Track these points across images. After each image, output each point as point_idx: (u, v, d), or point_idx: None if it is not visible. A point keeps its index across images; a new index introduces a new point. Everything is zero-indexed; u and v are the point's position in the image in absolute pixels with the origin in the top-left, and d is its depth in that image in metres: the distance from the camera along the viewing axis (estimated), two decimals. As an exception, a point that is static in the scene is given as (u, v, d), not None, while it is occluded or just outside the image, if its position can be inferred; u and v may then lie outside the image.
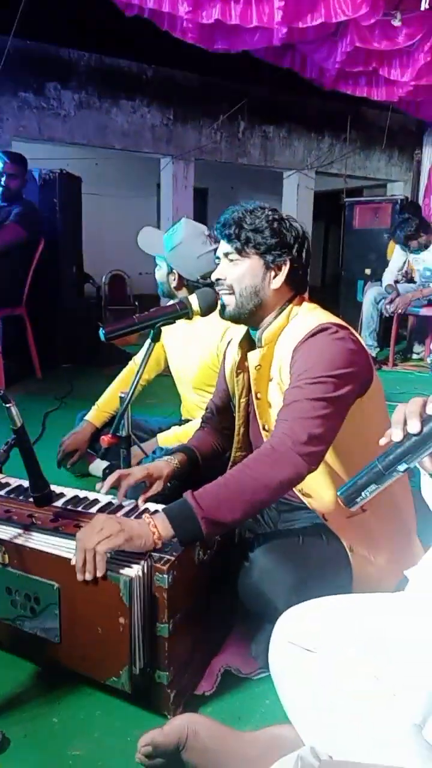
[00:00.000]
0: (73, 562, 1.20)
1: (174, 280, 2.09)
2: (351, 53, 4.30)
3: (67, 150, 6.75)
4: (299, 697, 1.03)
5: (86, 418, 2.39)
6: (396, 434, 0.93)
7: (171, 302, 1.67)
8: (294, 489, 1.40)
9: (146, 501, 1.52)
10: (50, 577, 1.26)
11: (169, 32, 4.07)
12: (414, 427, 0.91)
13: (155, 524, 1.22)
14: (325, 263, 11.95)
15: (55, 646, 1.29)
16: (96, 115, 6.47)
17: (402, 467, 0.93)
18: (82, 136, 6.45)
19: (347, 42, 4.14)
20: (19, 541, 1.32)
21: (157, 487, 1.53)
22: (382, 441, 0.95)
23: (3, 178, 4.10)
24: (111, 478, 1.49)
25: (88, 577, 1.18)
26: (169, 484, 1.56)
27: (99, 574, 1.17)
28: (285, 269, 1.43)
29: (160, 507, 1.42)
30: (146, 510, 1.48)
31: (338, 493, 0.99)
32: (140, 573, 1.19)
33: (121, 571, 1.18)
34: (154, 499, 1.54)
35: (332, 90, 5.22)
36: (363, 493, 0.96)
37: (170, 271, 2.09)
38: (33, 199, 4.54)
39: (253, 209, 1.44)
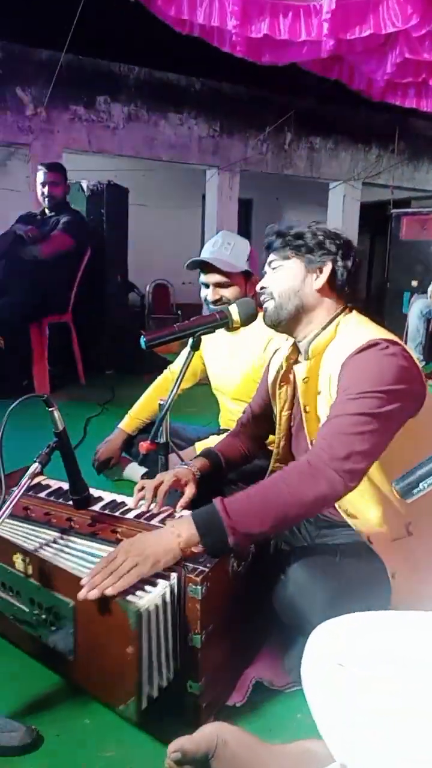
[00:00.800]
0: (83, 582, 1.15)
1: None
2: (400, 64, 4.27)
3: (115, 161, 6.90)
4: (331, 712, 1.02)
5: (119, 425, 2.43)
6: None
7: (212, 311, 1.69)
8: (338, 508, 1.38)
9: (183, 507, 1.52)
10: (66, 594, 1.23)
11: (219, 48, 4.12)
12: None
13: (179, 533, 1.20)
14: (371, 275, 11.80)
15: (70, 663, 1.28)
16: (144, 127, 6.60)
17: None
18: (131, 148, 6.58)
19: (397, 53, 4.12)
20: (44, 553, 1.31)
21: (190, 491, 1.54)
22: None
23: (46, 188, 4.23)
24: (148, 494, 1.51)
25: (91, 595, 1.12)
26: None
27: (109, 592, 1.11)
28: (326, 270, 1.43)
29: (186, 513, 1.43)
30: (181, 518, 1.48)
31: (394, 484, 0.96)
32: (161, 598, 1.15)
33: (131, 598, 1.13)
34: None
35: (380, 101, 5.19)
36: (421, 485, 0.91)
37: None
38: (81, 209, 4.66)
39: (296, 222, 1.48)
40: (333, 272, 1.43)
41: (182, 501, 1.53)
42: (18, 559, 1.33)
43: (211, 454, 1.67)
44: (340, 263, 1.44)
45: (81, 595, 1.13)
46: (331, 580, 1.30)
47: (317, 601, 1.27)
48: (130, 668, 1.13)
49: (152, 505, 1.53)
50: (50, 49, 5.74)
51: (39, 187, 4.28)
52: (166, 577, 1.19)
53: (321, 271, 1.43)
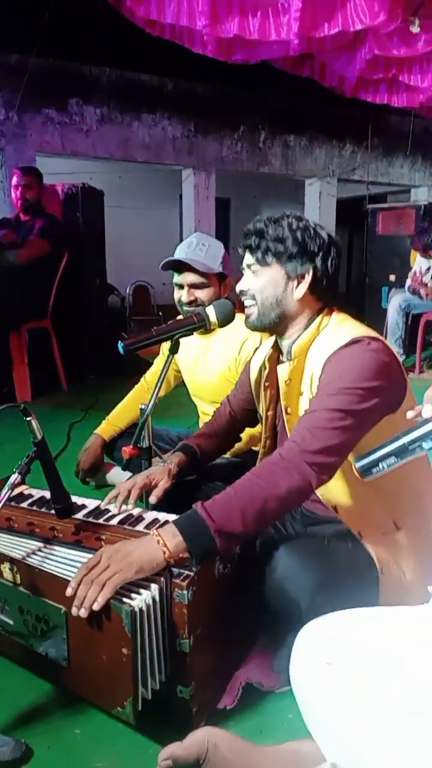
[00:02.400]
0: (68, 593, 1.15)
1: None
2: (370, 61, 4.29)
3: (90, 164, 6.86)
4: (320, 711, 1.02)
5: (95, 431, 2.43)
6: (427, 410, 0.91)
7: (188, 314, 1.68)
8: (326, 504, 1.38)
9: (159, 499, 1.53)
10: (57, 600, 1.22)
11: (189, 48, 4.11)
12: None
13: (164, 542, 1.19)
14: (350, 270, 11.88)
15: (64, 670, 1.27)
16: (118, 128, 6.57)
17: (427, 444, 0.91)
18: (105, 150, 6.55)
19: (366, 50, 4.14)
20: (32, 560, 1.30)
21: (163, 485, 1.54)
22: (410, 414, 0.93)
23: (20, 190, 4.20)
24: (121, 496, 1.51)
25: (83, 613, 1.12)
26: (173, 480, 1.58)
27: (96, 607, 1.11)
28: (308, 278, 1.40)
29: (172, 517, 1.42)
30: (166, 522, 1.48)
31: (355, 463, 0.96)
32: (151, 599, 1.15)
33: (125, 600, 1.14)
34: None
35: (353, 97, 5.22)
36: (381, 465, 0.93)
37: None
38: (56, 213, 4.62)
39: (277, 218, 1.42)
40: (314, 277, 1.41)
41: (155, 492, 1.53)
42: (5, 569, 1.32)
43: (187, 448, 1.67)
44: (321, 267, 1.40)
45: (74, 612, 1.13)
46: (319, 564, 1.31)
47: (305, 584, 1.26)
48: (125, 669, 1.13)
49: (128, 507, 1.53)
50: (19, 52, 5.69)
51: (13, 191, 4.25)
52: (155, 581, 1.19)
53: (302, 279, 1.40)
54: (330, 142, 7.98)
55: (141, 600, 1.14)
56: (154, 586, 1.18)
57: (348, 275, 11.85)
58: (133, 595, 1.15)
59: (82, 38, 5.43)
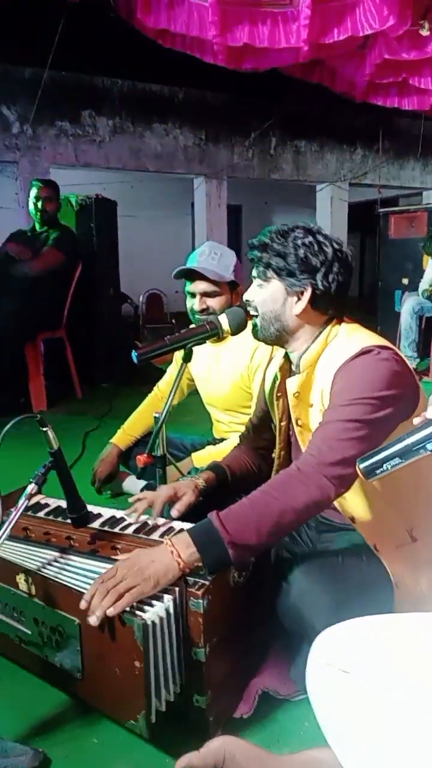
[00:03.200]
0: (82, 606, 1.15)
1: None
2: (380, 65, 4.29)
3: (102, 175, 6.93)
4: (337, 719, 1.01)
5: (111, 440, 2.44)
6: (431, 412, 0.91)
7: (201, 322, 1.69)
8: (342, 513, 1.38)
9: (180, 513, 1.52)
10: (71, 612, 1.23)
11: (200, 58, 4.14)
12: None
13: (178, 552, 1.19)
14: (362, 274, 11.85)
15: (78, 681, 1.28)
16: (130, 139, 6.63)
17: (431, 446, 0.90)
18: (117, 161, 6.61)
19: (376, 54, 4.14)
20: (47, 572, 1.31)
21: (186, 499, 1.52)
22: (416, 421, 0.93)
23: (40, 203, 4.24)
24: (141, 506, 1.51)
25: (93, 621, 1.12)
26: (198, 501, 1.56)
27: (111, 612, 1.11)
28: (307, 295, 1.39)
29: (186, 526, 1.42)
30: (181, 531, 1.48)
31: (358, 463, 0.96)
32: (165, 611, 1.15)
33: (138, 612, 1.14)
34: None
35: (363, 102, 5.22)
36: (384, 466, 0.92)
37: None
38: (70, 224, 4.67)
39: (284, 231, 1.41)
40: (313, 294, 1.39)
41: (177, 506, 1.52)
42: (21, 580, 1.33)
43: (218, 468, 1.66)
44: (321, 284, 1.38)
45: (90, 620, 1.13)
46: (333, 586, 1.30)
47: (320, 606, 1.26)
48: (138, 682, 1.13)
49: (147, 518, 1.53)
50: (33, 66, 5.77)
51: (32, 203, 4.29)
52: (169, 591, 1.19)
53: (301, 295, 1.39)
54: (341, 147, 7.98)
55: (153, 612, 1.14)
56: (167, 597, 1.18)
57: (360, 279, 11.82)
58: (146, 608, 1.15)
59: (94, 51, 5.50)
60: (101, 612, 1.12)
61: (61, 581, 1.26)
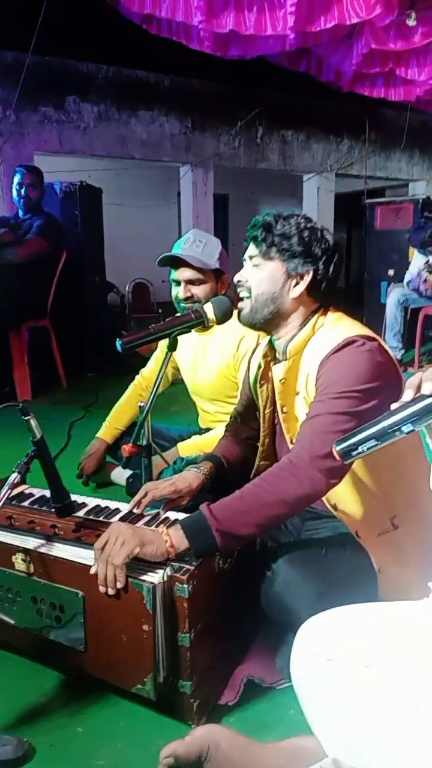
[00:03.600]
0: (92, 571, 1.22)
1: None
2: (367, 55, 4.27)
3: (87, 162, 6.84)
4: (321, 707, 1.02)
5: (97, 435, 2.43)
6: (407, 394, 0.92)
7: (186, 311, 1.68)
8: (325, 502, 1.39)
9: (166, 510, 1.53)
10: (74, 585, 1.27)
11: (186, 44, 4.10)
12: (428, 388, 0.90)
13: (168, 534, 1.23)
14: (348, 265, 11.86)
15: (80, 654, 1.30)
16: (115, 126, 6.55)
17: (407, 428, 0.91)
18: (102, 148, 6.53)
19: (362, 44, 4.12)
20: (44, 549, 1.34)
21: (181, 502, 1.54)
22: (394, 406, 0.94)
23: (23, 189, 4.19)
24: (145, 499, 1.51)
25: (110, 591, 1.19)
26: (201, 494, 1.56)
27: (119, 585, 1.19)
28: (307, 279, 1.41)
29: (180, 515, 1.43)
30: (166, 519, 1.48)
31: (335, 445, 0.97)
32: (163, 579, 1.20)
33: (144, 577, 1.19)
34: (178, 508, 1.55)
35: (349, 92, 5.20)
36: (360, 447, 0.93)
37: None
38: (54, 211, 4.62)
39: (286, 216, 1.43)
40: (313, 279, 1.41)
41: (168, 504, 1.53)
42: (18, 559, 1.35)
43: (214, 458, 1.66)
44: (321, 270, 1.41)
45: (102, 590, 1.20)
46: (318, 575, 1.31)
47: (305, 596, 1.27)
48: (146, 646, 1.18)
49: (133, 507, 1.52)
50: (16, 50, 5.66)
51: (15, 189, 4.24)
52: (163, 567, 1.22)
53: (301, 278, 1.41)
54: (327, 138, 7.95)
55: (158, 577, 1.19)
56: (161, 570, 1.21)
57: (347, 270, 11.83)
58: (150, 573, 1.20)
59: (79, 36, 5.41)
60: (112, 583, 1.18)
61: (63, 556, 1.31)
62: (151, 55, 5.64)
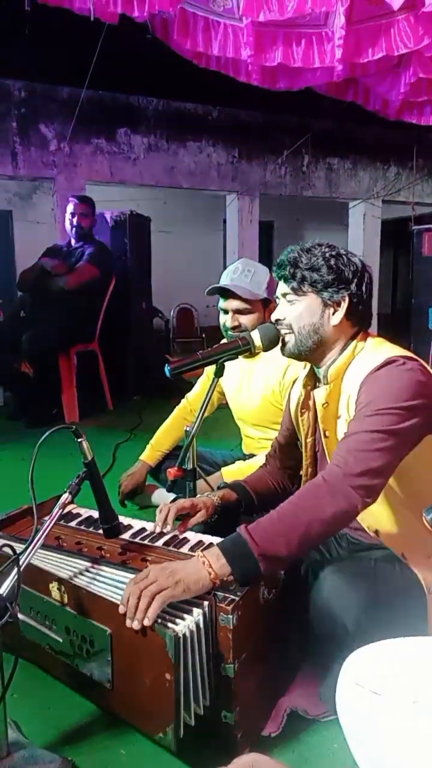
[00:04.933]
0: (121, 610, 1.17)
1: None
2: (414, 84, 4.29)
3: (137, 191, 7.04)
4: (366, 742, 1.00)
5: (141, 457, 2.46)
6: None
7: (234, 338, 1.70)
8: (367, 529, 1.37)
9: (186, 529, 1.54)
10: (103, 622, 1.24)
11: (235, 77, 4.20)
12: None
13: (209, 563, 1.20)
14: (395, 291, 11.75)
15: (108, 691, 1.28)
16: (164, 156, 6.74)
17: None
18: (151, 177, 6.71)
19: (410, 73, 4.14)
20: (79, 581, 1.32)
21: (199, 517, 1.54)
22: None
23: (75, 218, 4.33)
24: (171, 514, 1.52)
25: (136, 626, 1.13)
26: (211, 519, 1.57)
27: (147, 623, 1.13)
28: (344, 305, 1.42)
29: (215, 540, 1.43)
30: (210, 545, 1.49)
31: (425, 515, 0.96)
32: (195, 624, 1.16)
33: (169, 624, 1.14)
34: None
35: (397, 120, 5.21)
36: None
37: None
38: (105, 239, 4.76)
39: (309, 248, 1.44)
40: (350, 303, 1.42)
41: (188, 522, 1.53)
42: (54, 588, 1.34)
43: (238, 486, 1.66)
44: (356, 293, 1.42)
45: (128, 623, 1.14)
46: (366, 585, 1.29)
47: (351, 604, 1.25)
48: (167, 695, 1.13)
49: (166, 527, 1.53)
50: (71, 85, 5.93)
51: (68, 218, 4.39)
52: (199, 605, 1.20)
53: (338, 306, 1.42)
54: (374, 164, 7.97)
55: (185, 625, 1.14)
56: (196, 611, 1.18)
57: (393, 296, 11.72)
58: (177, 620, 1.16)
59: (130, 70, 5.62)
60: (140, 617, 1.13)
61: (94, 591, 1.28)
62: (200, 87, 5.80)
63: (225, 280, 2.05)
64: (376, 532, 1.37)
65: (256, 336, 1.59)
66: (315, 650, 1.42)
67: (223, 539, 1.27)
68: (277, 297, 1.51)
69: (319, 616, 1.33)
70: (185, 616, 1.17)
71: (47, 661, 1.45)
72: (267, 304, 2.06)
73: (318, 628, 1.35)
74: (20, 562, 1.17)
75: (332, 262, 1.41)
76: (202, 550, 1.25)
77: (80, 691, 1.43)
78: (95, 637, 1.26)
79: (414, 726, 0.94)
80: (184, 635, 1.13)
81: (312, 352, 1.46)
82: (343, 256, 1.44)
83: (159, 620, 1.14)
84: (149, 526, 1.61)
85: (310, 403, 1.52)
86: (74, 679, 1.41)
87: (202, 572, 1.19)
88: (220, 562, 1.20)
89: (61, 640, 1.34)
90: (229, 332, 2.04)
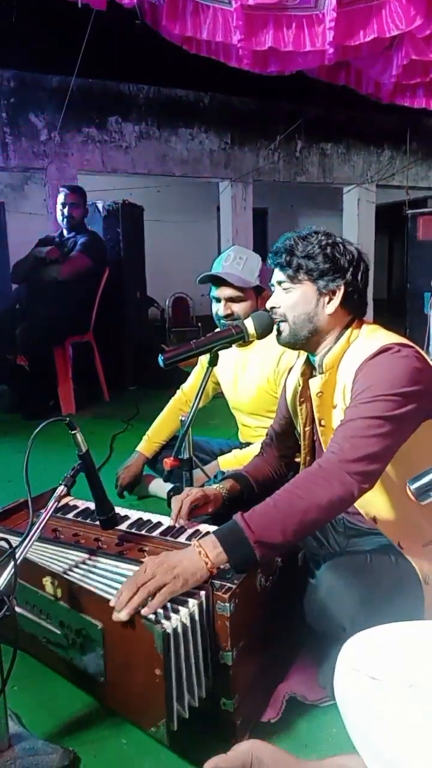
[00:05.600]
0: (112, 603, 1.16)
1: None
2: (407, 66, 4.24)
3: (129, 180, 6.98)
4: (365, 726, 1.01)
5: (137, 449, 2.46)
6: None
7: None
8: (365, 515, 1.37)
9: (190, 518, 1.54)
10: (95, 616, 1.24)
11: (225, 62, 4.15)
12: None
13: (206, 552, 1.20)
14: (391, 276, 11.73)
15: (101, 685, 1.28)
16: (156, 144, 6.68)
17: None
18: (143, 166, 6.66)
19: (402, 55, 4.09)
20: (72, 575, 1.32)
21: (205, 510, 1.55)
22: None
23: (66, 208, 4.30)
24: (184, 509, 1.52)
25: (123, 617, 1.13)
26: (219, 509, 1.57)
27: (146, 612, 1.13)
28: (339, 294, 1.42)
29: (213, 528, 1.43)
30: (207, 534, 1.49)
31: (409, 484, 0.95)
32: (187, 618, 1.15)
33: (160, 621, 1.13)
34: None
35: (390, 103, 5.17)
36: None
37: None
38: (97, 229, 4.73)
39: (305, 235, 1.43)
40: (345, 292, 1.42)
41: (192, 513, 1.54)
42: (47, 582, 1.34)
43: (240, 476, 1.66)
44: (352, 282, 1.42)
45: (115, 616, 1.13)
46: (362, 582, 1.30)
47: (349, 603, 1.26)
48: (158, 690, 1.13)
49: (180, 521, 1.53)
50: (60, 74, 5.86)
51: (59, 208, 4.36)
52: (195, 595, 1.20)
53: (334, 294, 1.42)
54: (368, 149, 7.92)
55: (176, 619, 1.14)
56: (192, 602, 1.18)
57: (389, 281, 11.70)
58: (171, 614, 1.15)
59: (120, 58, 5.56)
60: (129, 609, 1.13)
61: (85, 585, 1.27)
62: (190, 73, 5.75)
63: (217, 268, 2.04)
64: (374, 518, 1.37)
65: (249, 324, 1.59)
66: (313, 636, 1.42)
67: (218, 527, 1.26)
68: (272, 285, 1.50)
69: (315, 617, 1.34)
70: (180, 608, 1.17)
71: (44, 654, 1.46)
72: (259, 292, 2.05)
73: (315, 625, 1.36)
74: (17, 556, 1.17)
75: (328, 250, 1.41)
76: (198, 539, 1.25)
77: (77, 683, 1.44)
78: (88, 632, 1.26)
79: (411, 710, 0.94)
80: (175, 630, 1.12)
81: (307, 340, 1.46)
82: (340, 245, 1.43)
83: (151, 615, 1.13)
84: (146, 516, 1.61)
85: (308, 392, 1.51)
86: (70, 671, 1.42)
87: (199, 563, 1.19)
88: (216, 551, 1.20)
89: (58, 633, 1.34)
90: (222, 321, 2.03)
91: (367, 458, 1.23)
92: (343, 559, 1.38)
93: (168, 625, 1.12)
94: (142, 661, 1.14)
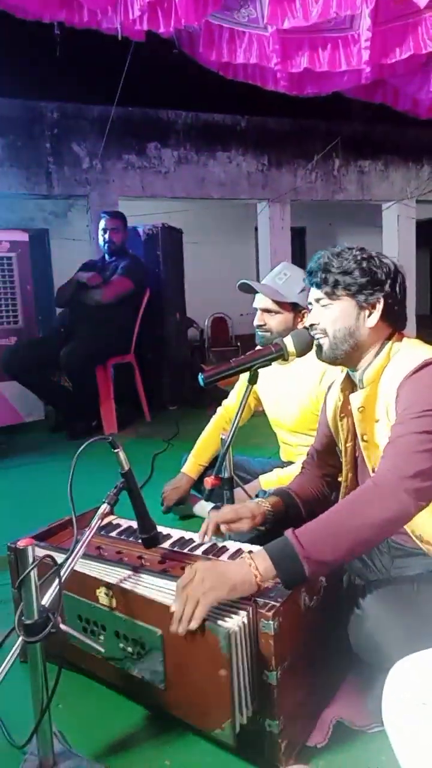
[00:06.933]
0: (172, 609, 1.18)
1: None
2: (444, 81, 4.23)
3: (168, 204, 7.11)
4: (415, 753, 0.97)
5: (183, 470, 2.47)
6: None
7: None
8: (410, 534, 1.34)
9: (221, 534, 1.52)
10: (153, 623, 1.26)
11: (262, 86, 4.22)
12: None
13: (255, 565, 1.19)
14: (432, 291, 11.55)
15: (161, 692, 1.29)
16: (194, 168, 6.80)
17: None
18: (182, 190, 6.78)
19: (440, 70, 4.09)
20: (126, 585, 1.34)
21: (240, 526, 1.52)
22: None
23: (107, 234, 4.41)
24: (211, 526, 1.51)
25: (181, 630, 1.15)
26: (262, 528, 1.55)
27: (194, 626, 1.14)
28: (379, 306, 1.41)
29: (255, 548, 1.42)
30: (250, 552, 1.48)
31: None
32: (242, 623, 1.16)
33: (221, 622, 1.15)
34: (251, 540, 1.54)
35: (428, 118, 5.14)
36: None
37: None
38: (138, 252, 4.82)
39: (339, 252, 1.44)
40: (386, 305, 1.41)
41: (231, 526, 1.52)
42: (101, 593, 1.37)
43: (284, 493, 1.65)
44: (391, 294, 1.41)
45: (182, 628, 1.15)
46: (409, 613, 1.26)
47: (397, 635, 1.23)
48: (223, 691, 1.14)
49: (218, 540, 1.53)
50: (101, 104, 6.06)
51: (101, 234, 4.47)
52: (242, 609, 1.20)
53: (373, 308, 1.41)
54: (406, 165, 7.87)
55: (234, 623, 1.15)
56: (242, 613, 1.18)
57: (431, 296, 11.51)
58: (227, 618, 1.17)
59: (158, 86, 5.71)
60: (186, 623, 1.14)
61: (142, 593, 1.29)
62: (227, 98, 5.85)
63: (263, 281, 2.08)
64: (420, 538, 1.34)
65: (289, 342, 1.59)
66: (361, 661, 1.39)
67: (270, 543, 1.25)
68: (310, 303, 1.50)
69: (361, 647, 1.31)
70: (232, 615, 1.18)
71: (94, 665, 1.47)
72: (299, 309, 2.05)
73: (362, 656, 1.33)
74: (61, 573, 1.19)
75: (364, 264, 1.41)
76: (249, 554, 1.24)
77: (130, 694, 1.44)
78: (146, 639, 1.28)
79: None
80: (236, 632, 1.14)
81: (347, 355, 1.45)
82: (375, 258, 1.43)
83: (208, 619, 1.15)
84: (188, 536, 1.61)
85: (349, 407, 1.50)
86: (126, 682, 1.42)
87: (248, 575, 1.19)
88: (266, 564, 1.19)
89: (112, 645, 1.35)
90: (257, 331, 2.07)
91: (422, 474, 1.21)
92: (390, 588, 1.34)
93: (230, 626, 1.13)
94: (204, 663, 1.16)
